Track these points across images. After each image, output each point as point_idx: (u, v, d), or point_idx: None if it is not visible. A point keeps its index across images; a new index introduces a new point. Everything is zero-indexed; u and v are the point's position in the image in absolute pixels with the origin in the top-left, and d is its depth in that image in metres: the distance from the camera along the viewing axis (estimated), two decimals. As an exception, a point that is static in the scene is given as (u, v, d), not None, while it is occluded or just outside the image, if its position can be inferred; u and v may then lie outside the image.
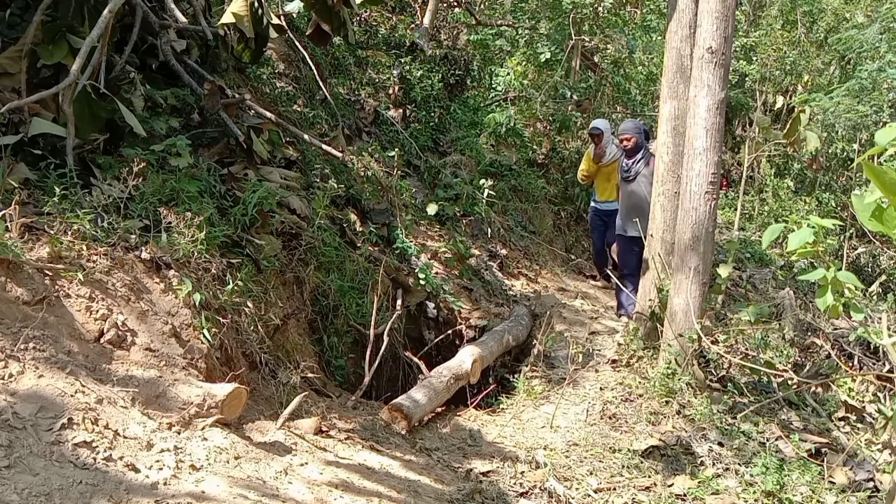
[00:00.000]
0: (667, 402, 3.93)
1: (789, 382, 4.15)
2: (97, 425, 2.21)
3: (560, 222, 8.60)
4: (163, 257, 3.16)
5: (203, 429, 2.55)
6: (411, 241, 5.72)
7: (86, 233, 2.94)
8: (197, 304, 3.13)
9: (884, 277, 7.65)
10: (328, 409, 3.53)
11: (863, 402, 4.28)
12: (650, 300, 4.67)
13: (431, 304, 5.43)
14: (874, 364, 5.03)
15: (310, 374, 3.71)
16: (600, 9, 9.41)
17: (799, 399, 4.19)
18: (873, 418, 4.06)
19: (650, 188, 5.43)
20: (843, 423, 4.09)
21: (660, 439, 3.63)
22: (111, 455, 2.14)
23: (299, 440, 2.91)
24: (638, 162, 5.81)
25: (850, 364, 5.02)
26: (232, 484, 2.26)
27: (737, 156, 11.52)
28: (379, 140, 7.02)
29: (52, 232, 2.85)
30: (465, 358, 4.38)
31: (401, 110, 7.62)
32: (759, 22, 12.05)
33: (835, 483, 3.33)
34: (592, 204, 7.13)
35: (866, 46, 9.72)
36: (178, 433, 2.46)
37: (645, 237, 5.15)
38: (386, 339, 4.21)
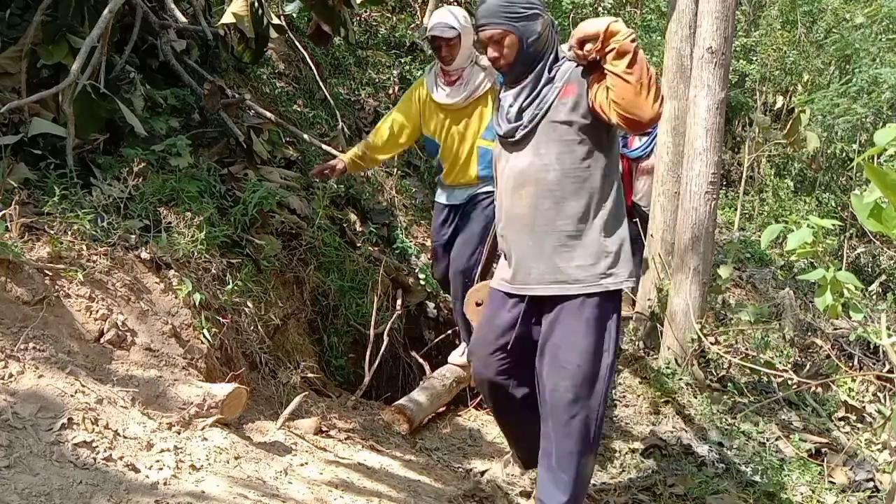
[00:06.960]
0: (667, 402, 3.93)
1: (789, 382, 4.15)
2: (97, 425, 2.21)
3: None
4: (163, 257, 3.16)
5: (203, 429, 2.55)
6: (411, 242, 5.72)
7: (86, 233, 2.94)
8: (197, 304, 3.13)
9: (884, 277, 7.65)
10: (328, 409, 3.53)
11: (863, 402, 4.28)
12: (650, 300, 4.68)
13: (431, 304, 5.41)
14: (874, 364, 5.03)
15: (310, 374, 3.71)
16: (600, 9, 9.41)
17: (799, 399, 4.20)
18: (873, 418, 4.06)
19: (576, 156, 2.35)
20: (843, 423, 4.09)
21: (660, 439, 3.63)
22: (111, 455, 2.14)
23: (299, 440, 2.91)
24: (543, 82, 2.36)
25: (850, 364, 5.02)
26: (232, 484, 2.26)
27: (737, 156, 11.51)
28: (379, 140, 7.01)
29: (52, 232, 2.85)
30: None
31: (401, 110, 7.61)
32: (759, 22, 12.03)
33: (835, 483, 3.33)
34: (440, 198, 3.86)
35: (856, 47, 9.72)
36: (178, 433, 2.46)
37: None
38: (386, 339, 4.21)
